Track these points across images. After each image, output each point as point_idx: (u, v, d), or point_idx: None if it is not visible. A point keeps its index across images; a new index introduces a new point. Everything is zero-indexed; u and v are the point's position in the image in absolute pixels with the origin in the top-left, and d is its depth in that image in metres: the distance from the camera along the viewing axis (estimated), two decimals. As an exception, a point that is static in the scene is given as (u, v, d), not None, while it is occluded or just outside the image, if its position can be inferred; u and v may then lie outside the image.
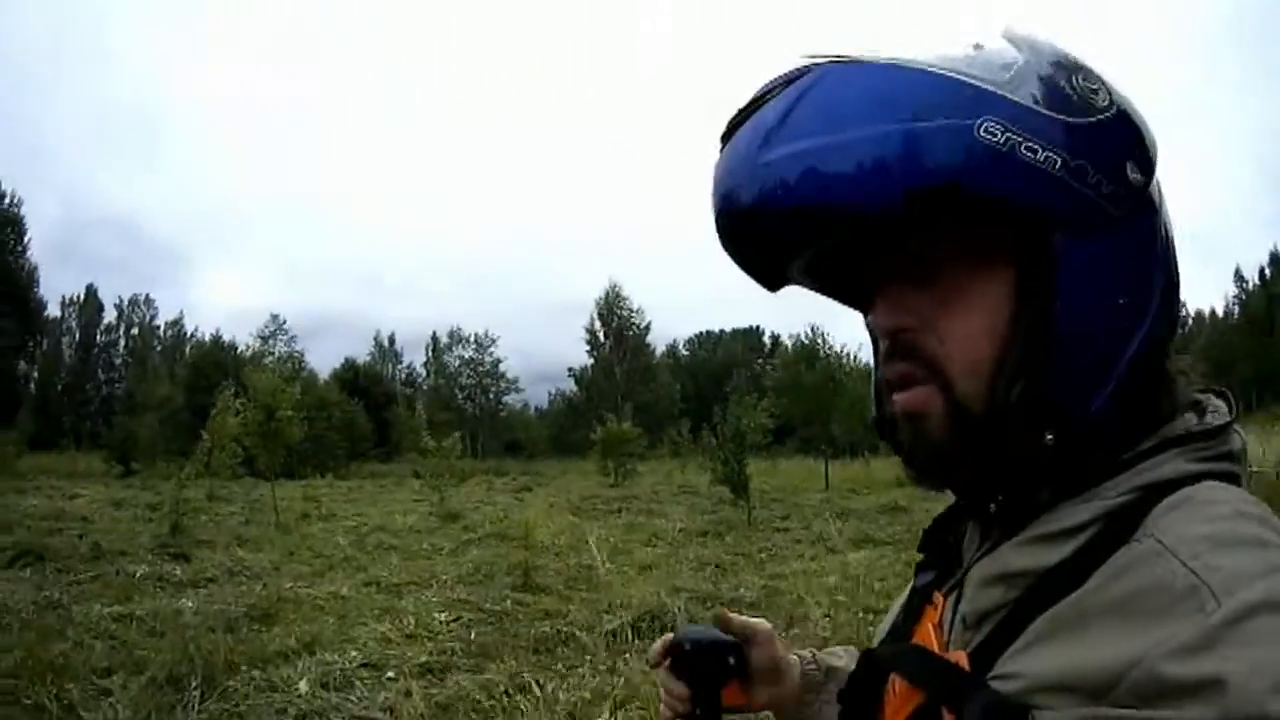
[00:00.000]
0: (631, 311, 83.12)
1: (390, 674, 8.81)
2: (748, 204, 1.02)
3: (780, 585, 12.95)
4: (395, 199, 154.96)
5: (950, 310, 1.05)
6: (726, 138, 1.08)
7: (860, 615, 10.55)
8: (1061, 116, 0.99)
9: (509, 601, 11.80)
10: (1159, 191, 1.08)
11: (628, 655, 9.26)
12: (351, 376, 70.65)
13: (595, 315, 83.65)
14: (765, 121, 1.01)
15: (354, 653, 9.30)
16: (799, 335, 40.97)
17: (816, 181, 0.97)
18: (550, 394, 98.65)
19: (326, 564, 15.25)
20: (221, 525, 19.67)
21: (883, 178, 0.95)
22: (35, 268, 52.56)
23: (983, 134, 0.94)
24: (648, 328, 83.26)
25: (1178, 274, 1.10)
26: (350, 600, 12.18)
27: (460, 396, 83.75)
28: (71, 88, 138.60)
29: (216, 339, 60.24)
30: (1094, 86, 1.03)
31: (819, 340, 40.46)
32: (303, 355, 71.08)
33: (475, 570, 14.09)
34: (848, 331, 50.26)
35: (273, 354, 69.27)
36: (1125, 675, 0.82)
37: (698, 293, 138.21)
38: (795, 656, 1.62)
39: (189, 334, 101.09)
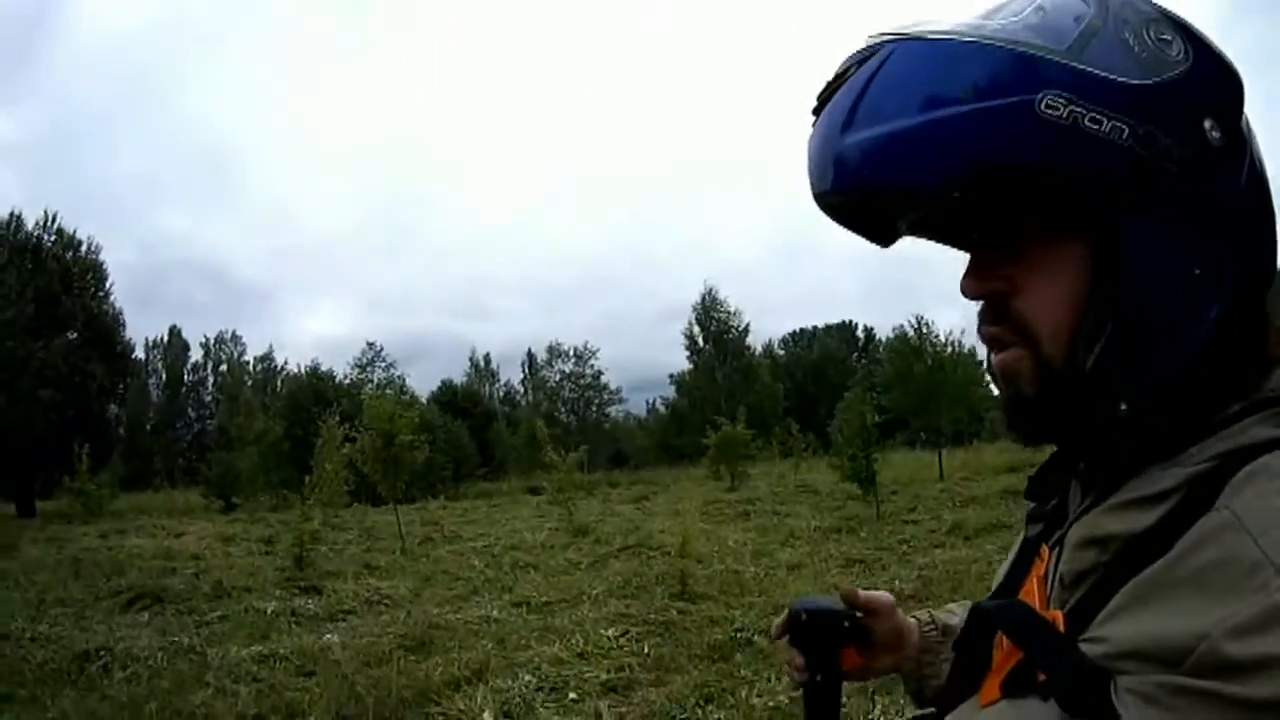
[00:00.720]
0: (729, 313, 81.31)
1: (573, 695, 8.32)
2: (830, 188, 1.07)
3: (932, 575, 12.96)
4: (476, 218, 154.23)
5: (1033, 277, 1.07)
6: (816, 113, 1.11)
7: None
8: (1128, 80, 0.99)
9: (674, 611, 11.27)
10: (1247, 134, 1.04)
11: None
12: (450, 398, 70.49)
13: (693, 320, 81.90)
14: (839, 106, 1.04)
15: (527, 677, 8.71)
16: (903, 326, 39.56)
17: (886, 167, 1.00)
18: (648, 402, 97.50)
19: (468, 587, 14.35)
20: (344, 555, 18.76)
21: (945, 161, 0.97)
22: (120, 312, 52.10)
23: (1044, 109, 0.95)
24: (746, 329, 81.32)
25: (1273, 220, 1.07)
26: (504, 623, 11.38)
27: (564, 410, 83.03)
28: (144, 132, 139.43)
29: (314, 369, 59.79)
30: (1167, 36, 1.03)
31: (924, 329, 39.44)
32: (404, 380, 70.42)
33: (625, 583, 13.45)
34: (947, 318, 49.07)
35: (372, 381, 68.99)
36: (1195, 649, 0.83)
37: (789, 291, 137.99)
38: (914, 619, 1.67)
39: (280, 367, 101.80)
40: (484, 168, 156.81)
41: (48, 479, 47.12)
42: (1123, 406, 1.01)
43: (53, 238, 50.25)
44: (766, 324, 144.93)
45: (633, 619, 10.92)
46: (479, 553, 18.31)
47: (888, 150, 0.99)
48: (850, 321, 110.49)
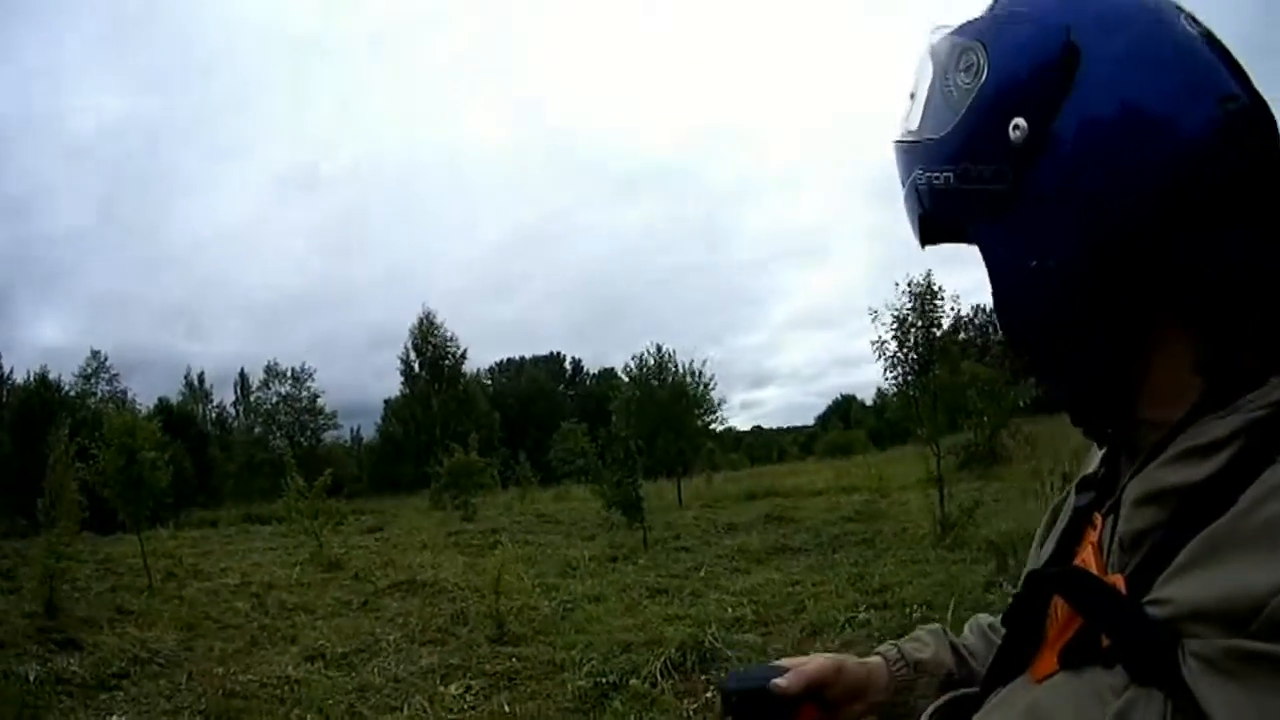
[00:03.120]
0: (446, 339, 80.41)
1: None
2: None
3: (763, 598, 12.69)
4: (199, 226, 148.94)
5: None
6: None
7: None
8: (940, 133, 1.20)
9: (506, 658, 10.42)
10: (1076, 99, 1.10)
11: (708, 694, 8.48)
12: (167, 417, 65.79)
13: (409, 344, 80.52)
14: None
15: None
16: (643, 353, 39.60)
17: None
18: (354, 429, 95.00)
19: (244, 637, 12.91)
20: (91, 595, 17.01)
21: (912, 218, 1.30)
22: None
23: (917, 186, 1.24)
24: (464, 355, 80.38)
25: (1129, 176, 1.07)
26: (309, 684, 10.05)
27: (278, 434, 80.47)
28: None
29: (42, 378, 56.23)
30: (970, 60, 1.17)
31: (665, 356, 39.90)
32: (126, 394, 66.90)
33: (422, 626, 12.49)
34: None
35: (95, 394, 64.67)
36: (1264, 606, 0.83)
37: (496, 321, 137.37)
38: (880, 657, 1.62)
39: (6, 375, 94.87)
40: (209, 173, 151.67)
41: None
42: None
43: None
44: (474, 354, 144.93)
45: (462, 669, 10.08)
46: (235, 592, 16.91)
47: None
48: (558, 353, 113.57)
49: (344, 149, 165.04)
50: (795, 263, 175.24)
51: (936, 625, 1.65)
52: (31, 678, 10.39)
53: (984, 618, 1.67)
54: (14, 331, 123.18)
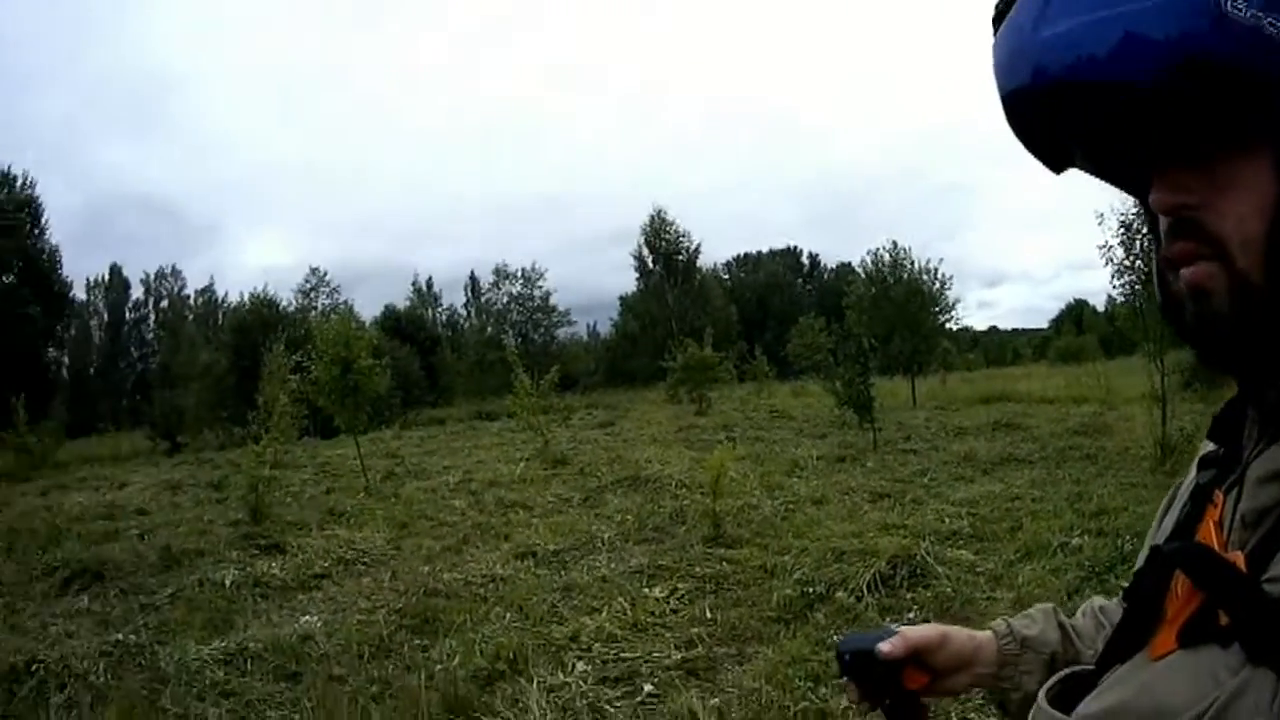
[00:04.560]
0: (678, 235, 79.45)
1: (649, 686, 6.76)
2: (1027, 82, 1.03)
3: (980, 512, 11.94)
4: (417, 145, 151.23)
5: (1223, 189, 1.00)
6: (998, 20, 1.09)
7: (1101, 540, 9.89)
8: None
9: (717, 561, 10.00)
10: None
11: (910, 614, 8.03)
12: (394, 323, 67.87)
13: (641, 241, 79.66)
14: (1030, 3, 1.01)
15: (580, 664, 7.14)
16: (878, 250, 38.27)
17: (1086, 60, 0.96)
18: (589, 325, 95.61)
19: (456, 535, 12.67)
20: (303, 499, 17.00)
21: (1146, 52, 0.93)
22: (56, 249, 50.35)
23: (1230, 9, 0.90)
24: (697, 250, 79.27)
25: None
26: (514, 582, 9.78)
27: (511, 333, 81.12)
28: (78, 66, 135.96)
29: (258, 297, 57.57)
30: None
31: (900, 253, 38.23)
32: (350, 304, 68.27)
33: (638, 525, 12.17)
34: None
35: (316, 307, 66.12)
36: None
37: (730, 213, 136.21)
38: (991, 631, 1.59)
39: (221, 299, 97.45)
40: (424, 89, 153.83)
41: None
42: None
43: None
44: (711, 248, 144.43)
45: (670, 571, 9.69)
46: (454, 490, 16.77)
47: (1087, 43, 0.94)
48: (795, 247, 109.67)
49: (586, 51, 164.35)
50: (1030, 158, 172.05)
51: (1049, 604, 1.59)
52: (228, 582, 10.40)
53: (1098, 600, 1.59)
54: (233, 255, 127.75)
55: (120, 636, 8.59)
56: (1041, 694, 1.27)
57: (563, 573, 9.91)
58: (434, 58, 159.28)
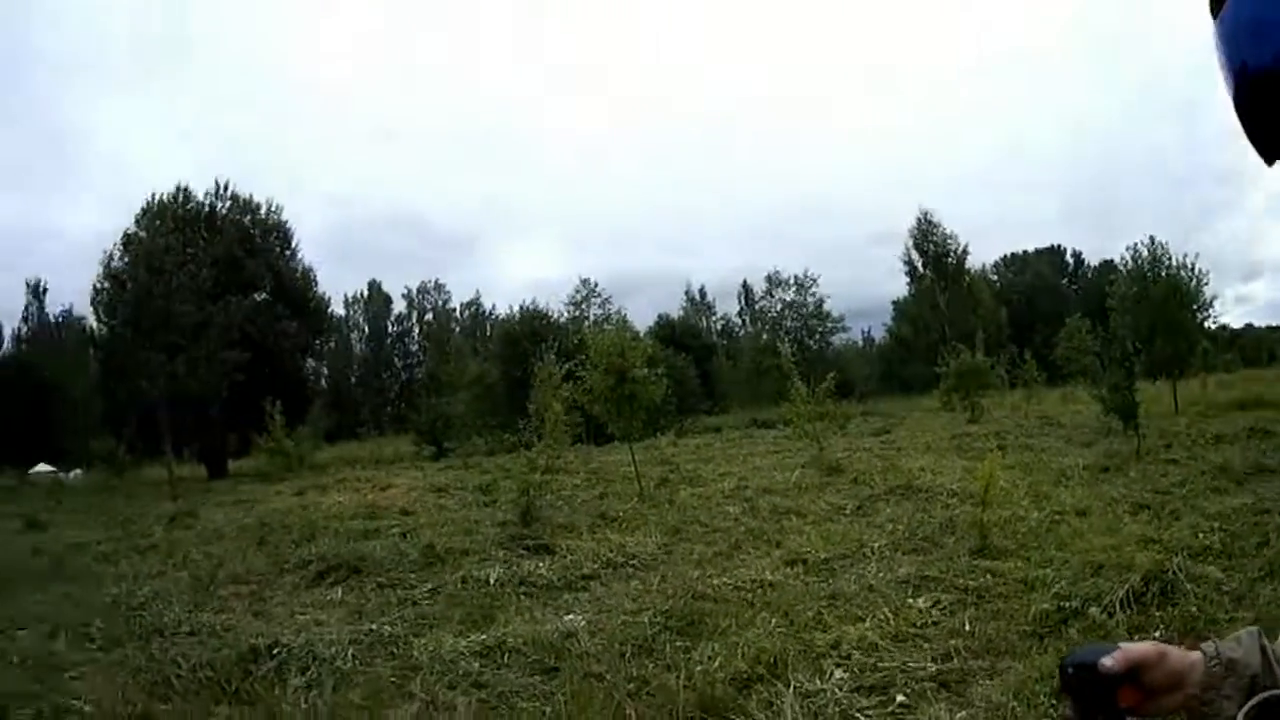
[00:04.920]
0: (945, 237, 79.15)
1: (901, 697, 6.72)
2: (1262, 66, 1.02)
3: (1232, 528, 11.36)
4: (677, 151, 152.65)
5: None
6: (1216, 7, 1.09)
7: None
8: None
9: (981, 573, 9.97)
10: None
11: (1156, 633, 7.56)
12: (669, 332, 69.41)
13: (909, 244, 79.64)
14: None
15: (838, 671, 7.08)
16: (1135, 246, 36.97)
17: None
18: (864, 331, 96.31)
19: (728, 540, 12.68)
20: (575, 503, 17.35)
21: None
22: (310, 269, 53.30)
23: None
24: (965, 251, 78.70)
25: None
26: (782, 588, 9.77)
27: (786, 340, 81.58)
28: (328, 91, 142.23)
29: (527, 309, 59.22)
30: None
31: (1159, 250, 36.84)
32: (623, 314, 69.73)
33: (909, 534, 12.11)
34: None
35: (588, 317, 67.69)
36: None
37: (994, 214, 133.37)
38: (1200, 653, 1.53)
39: (488, 312, 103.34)
40: (683, 100, 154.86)
41: (242, 439, 47.85)
42: None
43: (227, 204, 51.49)
44: (977, 248, 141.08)
45: (935, 582, 9.65)
46: (728, 496, 16.78)
47: None
48: (1059, 245, 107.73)
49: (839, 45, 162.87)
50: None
51: (1255, 627, 1.53)
52: (492, 580, 10.63)
53: None
54: (496, 268, 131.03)
55: (374, 626, 8.93)
56: (1240, 717, 1.32)
57: (830, 580, 9.91)
58: (693, 58, 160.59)
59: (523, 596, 10.04)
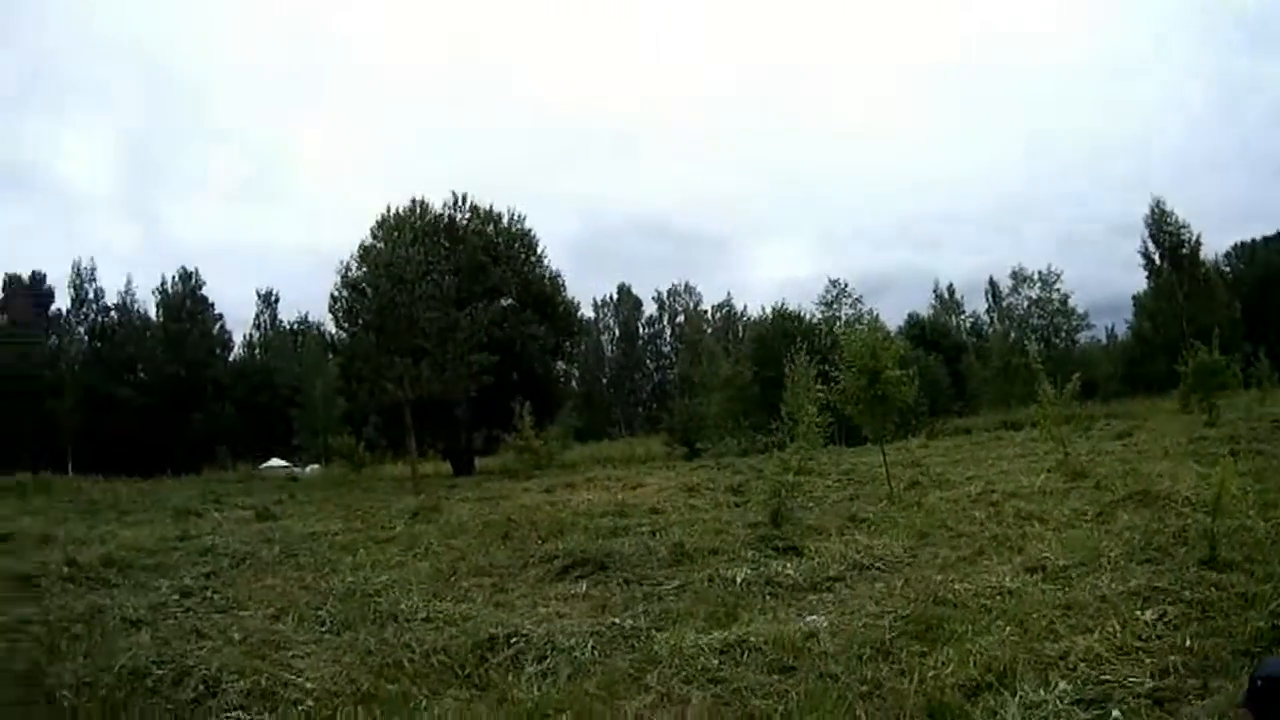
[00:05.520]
0: (1179, 227, 75.75)
1: (1116, 712, 6.47)
2: None
3: None
4: (921, 147, 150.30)
5: None
6: None
7: None
8: None
9: (1207, 586, 9.24)
10: None
11: None
12: (919, 331, 70.01)
13: (1145, 237, 76.26)
14: None
15: (1062, 683, 6.83)
16: None
17: None
18: (1108, 327, 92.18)
19: (972, 545, 12.39)
20: (825, 505, 17.27)
21: None
22: (557, 274, 55.16)
23: None
24: (1198, 242, 74.84)
25: None
26: (1020, 596, 9.48)
27: (1032, 338, 79.51)
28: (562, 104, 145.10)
29: (779, 310, 59.33)
30: None
31: None
32: (875, 314, 69.26)
33: (1144, 543, 11.41)
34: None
35: (839, 318, 66.83)
36: None
37: (1222, 197, 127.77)
38: None
39: (739, 313, 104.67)
40: (928, 97, 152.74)
41: (489, 438, 49.88)
42: None
43: (466, 215, 53.56)
44: (1209, 238, 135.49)
45: (1164, 594, 9.06)
46: (974, 500, 16.39)
47: None
48: None
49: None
50: None
51: None
52: (739, 579, 10.58)
53: None
54: (745, 270, 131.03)
55: (616, 620, 8.96)
56: None
57: (1067, 589, 9.54)
58: (934, 57, 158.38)
59: (768, 596, 9.98)
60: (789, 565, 11.22)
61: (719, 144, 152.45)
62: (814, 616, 8.76)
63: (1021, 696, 6.46)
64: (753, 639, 7.88)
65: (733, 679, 7.03)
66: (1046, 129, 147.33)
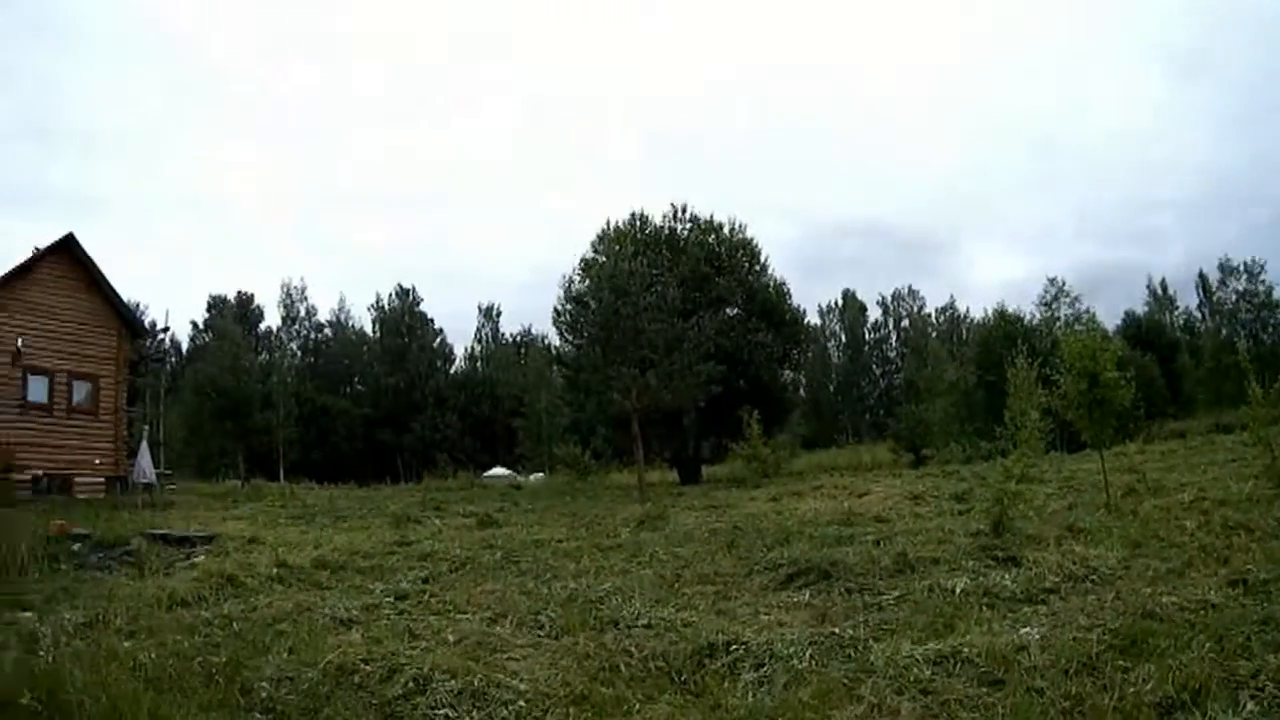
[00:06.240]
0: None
1: None
2: None
3: None
4: (1128, 137, 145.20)
5: None
6: None
7: None
8: None
9: None
10: None
11: None
12: (1134, 330, 68.44)
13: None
14: None
15: (1249, 703, 6.59)
16: None
17: None
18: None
19: (1181, 557, 12.02)
20: (1045, 513, 17.06)
21: None
22: (782, 282, 55.54)
23: None
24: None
25: None
26: (1222, 611, 9.10)
27: (1241, 334, 76.08)
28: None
29: (1000, 312, 58.35)
30: None
31: None
32: (1092, 314, 67.59)
33: None
34: None
35: (1059, 318, 65.28)
36: None
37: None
38: None
39: (963, 315, 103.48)
40: (1129, 87, 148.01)
41: (716, 446, 50.34)
42: None
43: (686, 226, 54.35)
44: None
45: None
46: (1186, 509, 16.12)
47: None
48: None
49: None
50: None
51: None
52: (957, 590, 10.58)
53: None
54: (967, 271, 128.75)
55: (835, 630, 9.00)
56: None
57: (1265, 604, 9.15)
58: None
59: (984, 608, 9.91)
60: (1006, 576, 11.14)
61: (935, 142, 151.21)
62: (1026, 629, 8.72)
63: (1210, 716, 6.34)
64: (966, 651, 7.86)
65: (943, 691, 7.05)
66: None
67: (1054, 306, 69.54)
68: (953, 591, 10.55)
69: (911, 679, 7.35)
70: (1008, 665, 7.53)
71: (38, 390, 38.79)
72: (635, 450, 39.01)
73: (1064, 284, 71.13)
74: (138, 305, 71.41)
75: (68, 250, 40.45)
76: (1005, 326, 53.92)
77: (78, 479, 38.10)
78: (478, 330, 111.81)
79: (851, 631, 8.94)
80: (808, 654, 8.16)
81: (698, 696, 7.49)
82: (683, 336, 41.36)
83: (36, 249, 40.14)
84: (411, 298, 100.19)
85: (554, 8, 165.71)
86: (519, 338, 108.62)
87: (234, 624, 10.93)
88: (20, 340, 37.64)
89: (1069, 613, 9.38)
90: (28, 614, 11.34)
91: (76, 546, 17.75)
